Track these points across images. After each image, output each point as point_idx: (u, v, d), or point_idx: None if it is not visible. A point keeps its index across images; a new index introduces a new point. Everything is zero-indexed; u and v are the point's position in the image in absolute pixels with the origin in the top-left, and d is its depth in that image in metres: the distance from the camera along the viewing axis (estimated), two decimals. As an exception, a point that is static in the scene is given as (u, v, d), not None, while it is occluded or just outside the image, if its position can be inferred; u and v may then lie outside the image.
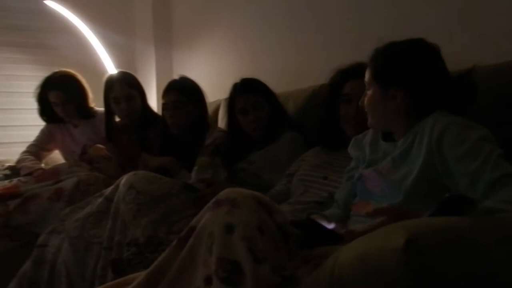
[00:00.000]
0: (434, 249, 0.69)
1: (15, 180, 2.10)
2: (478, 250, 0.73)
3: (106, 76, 2.33)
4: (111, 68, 3.10)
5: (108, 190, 1.66)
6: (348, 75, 1.51)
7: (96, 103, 2.51)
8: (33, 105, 2.55)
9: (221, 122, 2.43)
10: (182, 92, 2.06)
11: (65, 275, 1.53)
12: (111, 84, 2.24)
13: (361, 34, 1.90)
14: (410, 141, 1.13)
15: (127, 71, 2.39)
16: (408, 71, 1.16)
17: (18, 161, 2.36)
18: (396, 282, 0.68)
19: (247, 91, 1.89)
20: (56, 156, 2.58)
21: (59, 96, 2.35)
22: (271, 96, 1.91)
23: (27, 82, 2.95)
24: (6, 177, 2.22)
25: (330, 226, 1.08)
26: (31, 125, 2.87)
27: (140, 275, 1.03)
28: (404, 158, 1.13)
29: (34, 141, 2.50)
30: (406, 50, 1.19)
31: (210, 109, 2.52)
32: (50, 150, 2.54)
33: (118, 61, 3.15)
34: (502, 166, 0.96)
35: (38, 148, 2.48)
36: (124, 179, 1.61)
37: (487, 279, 0.73)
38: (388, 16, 1.83)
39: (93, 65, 2.99)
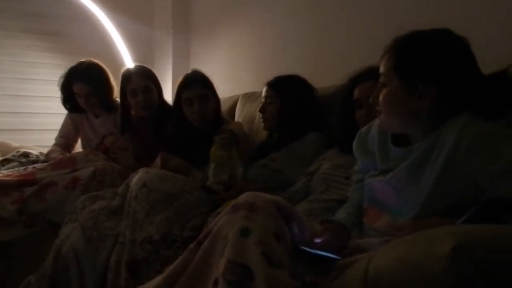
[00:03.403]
0: (486, 257, 0.67)
1: (30, 167, 2.09)
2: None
3: (124, 69, 2.30)
4: (127, 58, 3.08)
5: (120, 188, 1.68)
6: (356, 80, 1.51)
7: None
8: (49, 92, 2.52)
9: (238, 118, 2.41)
10: (206, 84, 2.03)
11: (76, 263, 1.53)
12: (129, 76, 2.22)
13: (388, 34, 1.85)
14: (429, 146, 1.00)
15: (144, 65, 2.36)
16: (442, 64, 1.01)
17: (47, 154, 2.32)
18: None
19: (270, 87, 1.90)
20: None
21: (84, 89, 2.29)
22: (295, 94, 1.87)
23: (43, 69, 2.96)
24: (21, 164, 2.19)
25: (317, 240, 1.06)
26: (46, 112, 2.89)
27: (157, 279, 1.01)
28: (420, 166, 1.01)
29: (61, 132, 2.47)
30: (435, 40, 1.04)
31: (228, 104, 2.50)
32: (77, 139, 2.51)
33: (135, 51, 3.13)
34: None
35: (66, 140, 2.45)
36: (136, 178, 1.61)
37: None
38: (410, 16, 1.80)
39: (110, 55, 2.97)
